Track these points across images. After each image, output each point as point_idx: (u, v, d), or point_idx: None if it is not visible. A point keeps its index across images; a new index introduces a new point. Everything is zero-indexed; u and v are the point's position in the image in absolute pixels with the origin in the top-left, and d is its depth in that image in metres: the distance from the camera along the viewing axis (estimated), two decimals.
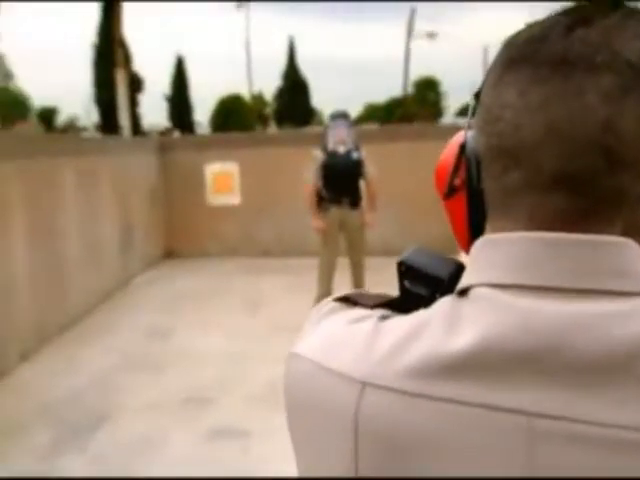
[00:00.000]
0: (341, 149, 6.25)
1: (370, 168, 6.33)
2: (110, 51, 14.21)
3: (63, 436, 4.10)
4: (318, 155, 6.29)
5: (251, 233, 9.71)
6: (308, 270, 7.41)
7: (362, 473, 0.55)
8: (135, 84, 31.64)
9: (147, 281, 8.53)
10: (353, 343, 0.59)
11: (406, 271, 0.75)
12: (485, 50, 52.50)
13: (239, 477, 3.55)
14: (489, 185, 0.59)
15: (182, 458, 3.78)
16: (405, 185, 8.97)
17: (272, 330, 6.09)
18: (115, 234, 8.04)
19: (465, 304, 0.56)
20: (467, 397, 0.51)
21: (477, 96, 0.63)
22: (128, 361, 5.45)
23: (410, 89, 41.54)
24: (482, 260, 0.57)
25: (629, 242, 0.53)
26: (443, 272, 0.72)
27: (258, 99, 45.18)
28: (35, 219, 5.96)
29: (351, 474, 0.55)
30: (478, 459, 0.51)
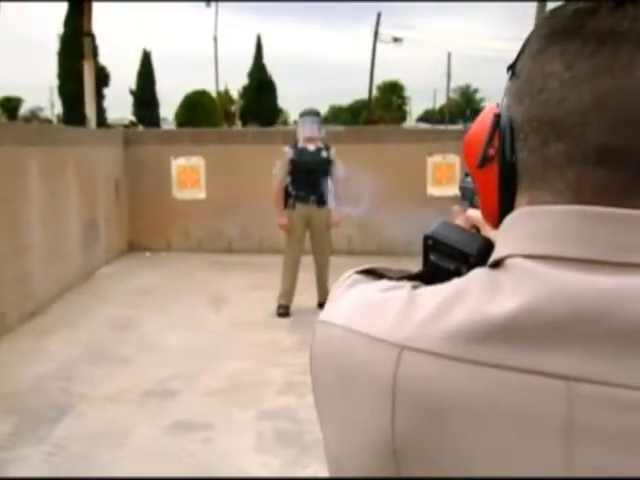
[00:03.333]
0: (311, 147, 6.26)
1: (339, 169, 6.35)
2: (77, 43, 13.99)
3: (24, 426, 4.02)
4: (287, 151, 6.29)
5: (216, 228, 9.66)
6: (272, 267, 7.40)
7: (398, 434, 0.55)
8: (101, 77, 31.21)
9: (111, 274, 8.42)
10: (388, 309, 0.59)
11: (433, 245, 0.76)
12: (449, 56, 53.05)
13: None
14: (526, 156, 0.58)
15: (144, 450, 3.74)
16: (369, 185, 9.01)
17: (234, 326, 6.08)
18: (79, 226, 7.92)
19: (502, 274, 0.56)
20: (506, 361, 0.51)
21: (511, 68, 0.61)
22: (91, 353, 5.38)
23: (375, 92, 41.74)
24: (517, 232, 0.57)
25: None
26: (471, 247, 0.73)
27: (224, 96, 44.91)
28: None
29: (387, 435, 0.55)
30: (515, 422, 0.51)
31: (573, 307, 0.51)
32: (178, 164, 9.46)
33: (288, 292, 6.42)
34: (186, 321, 6.25)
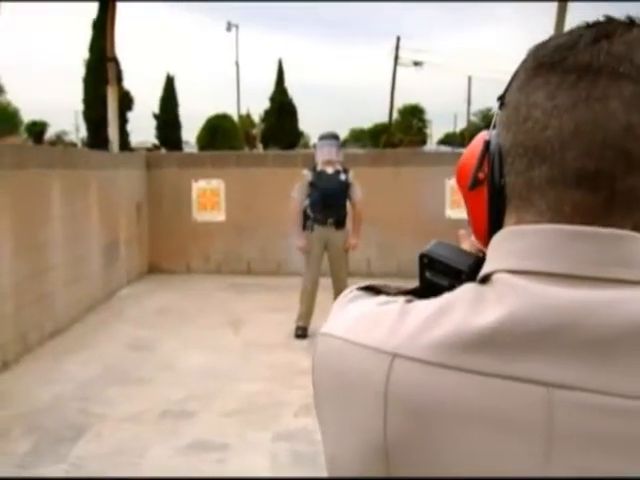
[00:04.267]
0: (329, 170, 6.30)
1: (357, 190, 6.38)
2: (101, 68, 14.24)
3: (43, 445, 4.06)
4: (306, 174, 6.34)
5: (235, 251, 9.71)
6: (290, 289, 7.42)
7: (390, 437, 0.58)
8: (125, 102, 31.66)
9: (131, 295, 8.49)
10: (382, 321, 0.63)
11: (428, 263, 0.80)
12: (469, 80, 53.16)
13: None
14: (513, 179, 0.63)
15: (161, 470, 3.76)
16: (388, 208, 9.04)
17: (251, 347, 6.09)
18: (100, 248, 8.01)
19: (487, 288, 0.61)
20: (489, 369, 0.55)
21: (500, 99, 0.67)
22: (109, 373, 5.42)
23: (395, 116, 41.86)
24: (502, 249, 0.62)
25: (637, 236, 0.57)
26: (463, 264, 0.77)
27: (246, 120, 45.31)
28: (22, 230, 5.94)
29: (379, 438, 0.59)
30: (499, 426, 0.54)
31: (551, 318, 0.55)
32: (198, 187, 9.56)
33: (306, 314, 6.44)
34: (204, 342, 6.28)
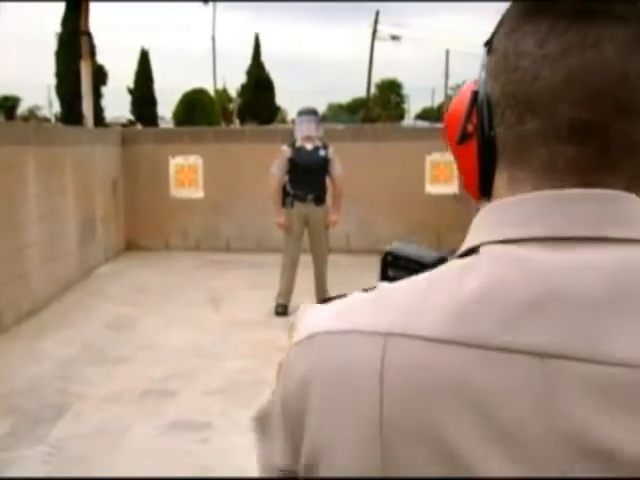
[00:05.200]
0: (309, 146, 6.25)
1: (337, 166, 6.34)
2: (74, 42, 13.97)
3: (21, 427, 4.01)
4: (285, 150, 6.28)
5: (214, 227, 9.65)
6: (270, 266, 7.40)
7: (386, 415, 0.54)
8: (99, 76, 31.15)
9: (108, 273, 8.41)
10: (365, 306, 0.60)
11: (392, 261, 0.78)
12: (447, 54, 53.03)
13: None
14: (503, 132, 0.60)
15: (142, 450, 3.73)
16: (367, 184, 9.01)
17: (232, 325, 6.07)
18: (76, 225, 7.90)
19: (472, 259, 0.58)
20: (482, 340, 0.52)
21: (487, 44, 0.63)
22: (88, 352, 5.37)
23: (373, 91, 41.71)
24: (486, 223, 0.59)
25: (630, 195, 0.55)
26: (428, 259, 0.74)
27: (222, 95, 44.89)
28: None
29: (376, 418, 0.55)
30: (496, 399, 0.51)
31: (538, 283, 0.52)
32: (176, 163, 9.45)
33: (286, 291, 6.41)
34: (184, 320, 6.24)
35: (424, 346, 0.54)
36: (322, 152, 6.30)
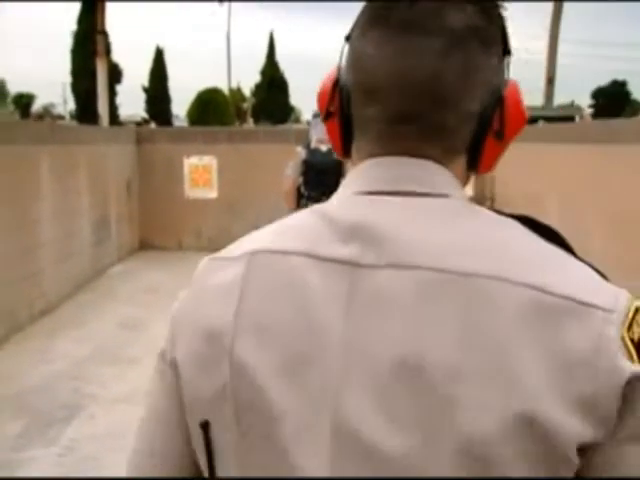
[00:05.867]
0: (323, 147, 6.22)
1: (351, 168, 6.31)
2: (90, 40, 14.00)
3: (34, 427, 4.01)
4: (300, 151, 6.26)
5: (227, 227, 9.64)
6: None
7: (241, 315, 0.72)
8: (114, 74, 31.26)
9: (122, 272, 8.42)
10: (255, 236, 0.80)
11: None
12: None
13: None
14: (355, 113, 0.76)
15: None
16: None
17: None
18: (90, 224, 7.92)
19: (329, 202, 0.77)
20: (314, 252, 0.70)
21: (347, 39, 0.78)
22: (101, 352, 5.37)
23: None
24: (344, 181, 0.78)
25: (428, 163, 0.73)
26: None
27: (236, 94, 44.95)
28: (10, 207, 5.84)
29: (235, 305, 0.72)
30: (318, 291, 0.68)
31: (354, 215, 0.71)
32: (190, 163, 9.44)
33: None
34: None
35: (278, 257, 0.72)
36: (336, 154, 6.26)
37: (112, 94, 29.80)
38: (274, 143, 9.29)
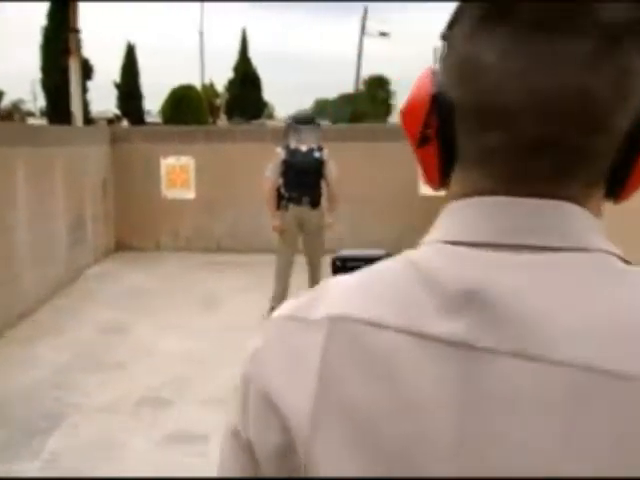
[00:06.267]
0: (303, 148, 6.18)
1: (332, 168, 6.27)
2: (60, 36, 13.80)
3: (15, 438, 3.93)
4: (280, 152, 6.21)
5: (206, 228, 9.57)
6: (262, 266, 7.34)
7: (320, 383, 0.58)
8: (85, 70, 30.87)
9: (99, 274, 8.31)
10: (318, 297, 0.65)
11: (342, 265, 0.85)
12: (434, 51, 53.14)
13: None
14: (463, 139, 0.60)
15: (139, 464, 3.66)
16: (360, 185, 8.95)
17: (228, 329, 5.99)
18: (66, 226, 7.80)
19: (416, 252, 0.62)
20: (415, 327, 0.56)
21: (444, 38, 0.62)
22: (81, 359, 5.29)
23: (361, 86, 41.66)
24: (440, 223, 0.63)
25: (565, 205, 0.57)
26: (376, 255, 0.81)
27: (209, 90, 44.66)
28: None
29: (314, 388, 0.58)
30: (423, 381, 0.54)
31: (468, 279, 0.56)
32: (167, 163, 9.35)
33: (281, 294, 6.35)
34: (178, 324, 6.16)
35: (370, 330, 0.57)
36: (317, 154, 6.23)
37: (83, 90, 29.40)
38: (251, 142, 9.24)
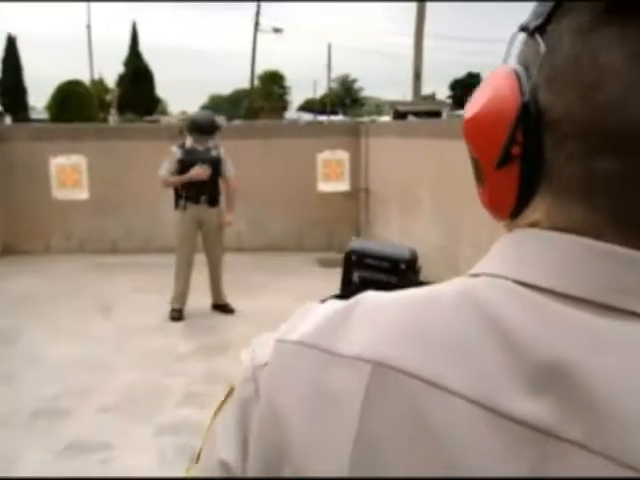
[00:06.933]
0: (200, 147, 6.12)
1: (229, 166, 6.25)
2: None
3: None
4: (175, 151, 6.11)
5: (98, 228, 9.28)
6: (160, 267, 7.21)
7: (356, 449, 0.47)
8: None
9: None
10: (342, 323, 0.52)
11: (357, 260, 0.73)
12: (329, 47, 53.58)
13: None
14: (558, 163, 0.48)
15: (36, 474, 3.51)
16: (258, 181, 8.93)
17: (125, 333, 5.85)
18: None
19: (481, 286, 0.49)
20: (485, 400, 0.44)
21: (532, 32, 0.49)
22: None
23: (256, 82, 41.54)
24: (510, 252, 0.50)
25: None
26: (400, 254, 0.72)
27: (99, 85, 43.32)
28: None
29: (349, 451, 0.47)
30: (496, 466, 0.43)
31: (551, 346, 0.44)
32: (57, 163, 8.97)
33: (181, 295, 6.25)
34: (72, 330, 5.94)
35: (417, 387, 0.46)
36: (214, 152, 6.19)
37: None
38: (145, 140, 9.02)
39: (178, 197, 6.14)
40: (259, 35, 34.81)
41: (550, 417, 0.42)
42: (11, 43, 41.25)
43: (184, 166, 6.04)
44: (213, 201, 6.17)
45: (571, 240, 0.47)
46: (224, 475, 0.53)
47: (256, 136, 9.38)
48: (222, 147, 6.27)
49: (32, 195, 9.06)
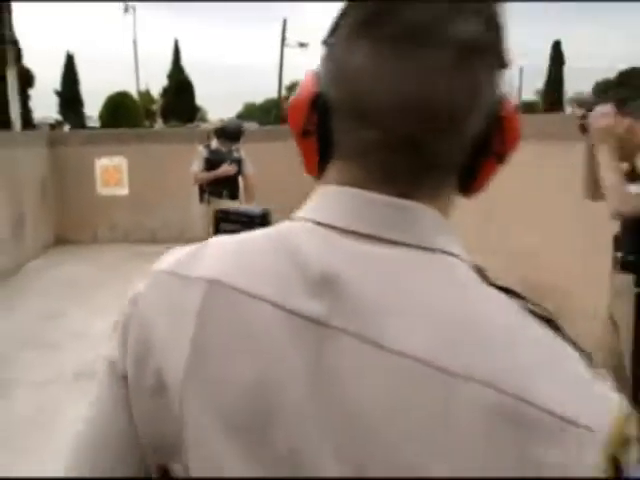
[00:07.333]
0: (224, 148, 6.28)
1: (249, 165, 6.41)
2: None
3: None
4: (202, 150, 6.31)
5: (139, 222, 9.49)
6: None
7: (191, 352, 0.58)
8: (26, 80, 29.75)
9: (38, 267, 8.15)
10: (202, 254, 0.63)
11: (224, 216, 0.84)
12: None
13: None
14: (340, 136, 0.60)
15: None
16: (281, 182, 9.06)
17: None
18: (6, 222, 7.62)
19: (292, 226, 0.62)
20: (279, 301, 0.56)
21: (327, 45, 0.62)
22: (20, 341, 5.23)
23: (284, 92, 41.59)
24: (312, 203, 0.63)
25: (419, 206, 0.58)
26: (255, 212, 0.82)
27: (145, 96, 43.79)
28: None
29: (188, 352, 0.58)
30: (287, 355, 0.55)
31: (333, 263, 0.56)
32: (102, 164, 9.21)
33: None
34: (113, 309, 6.08)
35: (243, 299, 0.57)
36: (236, 153, 6.35)
37: (25, 98, 28.38)
38: (180, 144, 9.20)
39: (202, 192, 6.31)
40: (286, 50, 34.94)
41: (325, 312, 0.55)
42: (69, 60, 41.86)
43: (210, 164, 6.21)
44: (233, 195, 6.32)
45: (351, 192, 0.60)
46: (110, 368, 0.64)
47: (280, 139, 9.50)
48: (243, 149, 6.42)
49: (80, 192, 9.31)
